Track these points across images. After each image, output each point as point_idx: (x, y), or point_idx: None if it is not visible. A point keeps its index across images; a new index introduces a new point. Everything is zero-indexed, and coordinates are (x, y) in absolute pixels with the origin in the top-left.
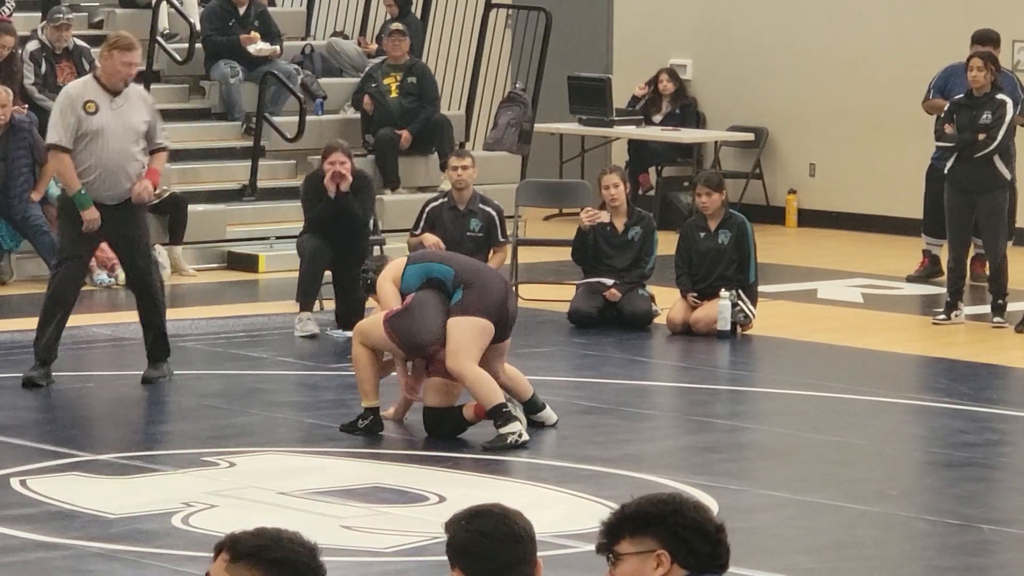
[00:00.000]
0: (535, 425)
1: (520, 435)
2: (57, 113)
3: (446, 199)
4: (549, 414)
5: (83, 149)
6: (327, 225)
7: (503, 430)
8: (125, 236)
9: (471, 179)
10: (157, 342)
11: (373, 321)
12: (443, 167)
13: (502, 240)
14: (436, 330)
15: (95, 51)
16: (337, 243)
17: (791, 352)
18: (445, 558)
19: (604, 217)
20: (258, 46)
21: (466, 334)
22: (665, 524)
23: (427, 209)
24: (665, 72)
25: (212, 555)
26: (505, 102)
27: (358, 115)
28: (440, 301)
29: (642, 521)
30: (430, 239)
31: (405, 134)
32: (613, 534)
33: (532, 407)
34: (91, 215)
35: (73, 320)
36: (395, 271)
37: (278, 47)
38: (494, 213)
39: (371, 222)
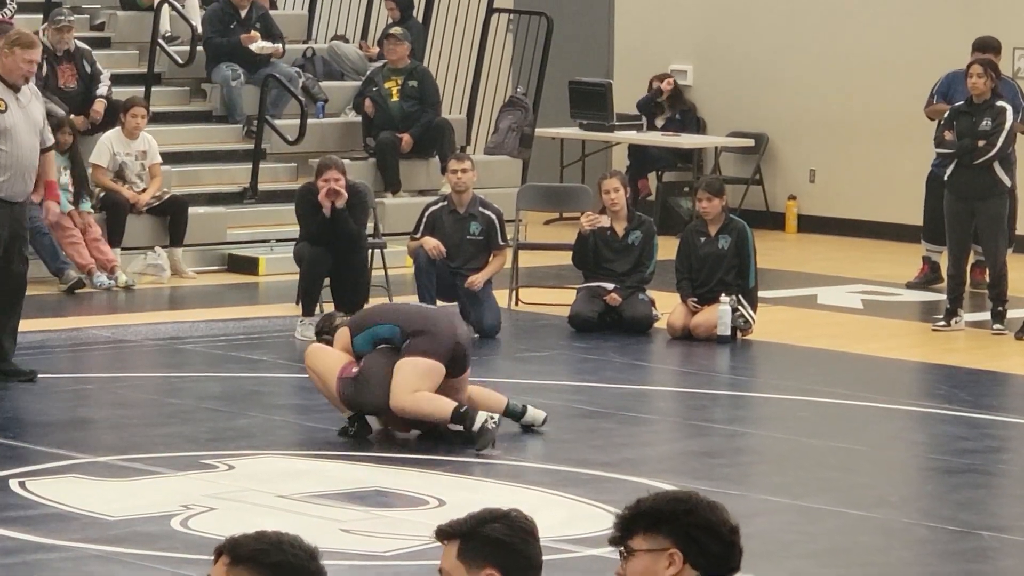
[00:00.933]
0: (527, 430)
1: (492, 417)
2: None
3: (446, 202)
4: (535, 414)
5: None
6: (324, 240)
7: (475, 427)
8: (19, 235)
9: (471, 182)
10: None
11: (328, 367)
12: (444, 171)
13: (502, 243)
14: (381, 401)
15: (96, 53)
16: (335, 252)
17: (791, 357)
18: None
19: (604, 221)
20: (260, 44)
21: (408, 373)
22: (678, 523)
23: (427, 212)
24: (659, 78)
25: (212, 558)
26: (506, 106)
27: (359, 118)
28: (389, 367)
29: (655, 518)
30: (430, 242)
31: (406, 137)
32: (627, 529)
33: (513, 415)
34: None
35: (72, 322)
36: (344, 342)
37: (280, 45)
38: (494, 216)
39: (373, 227)
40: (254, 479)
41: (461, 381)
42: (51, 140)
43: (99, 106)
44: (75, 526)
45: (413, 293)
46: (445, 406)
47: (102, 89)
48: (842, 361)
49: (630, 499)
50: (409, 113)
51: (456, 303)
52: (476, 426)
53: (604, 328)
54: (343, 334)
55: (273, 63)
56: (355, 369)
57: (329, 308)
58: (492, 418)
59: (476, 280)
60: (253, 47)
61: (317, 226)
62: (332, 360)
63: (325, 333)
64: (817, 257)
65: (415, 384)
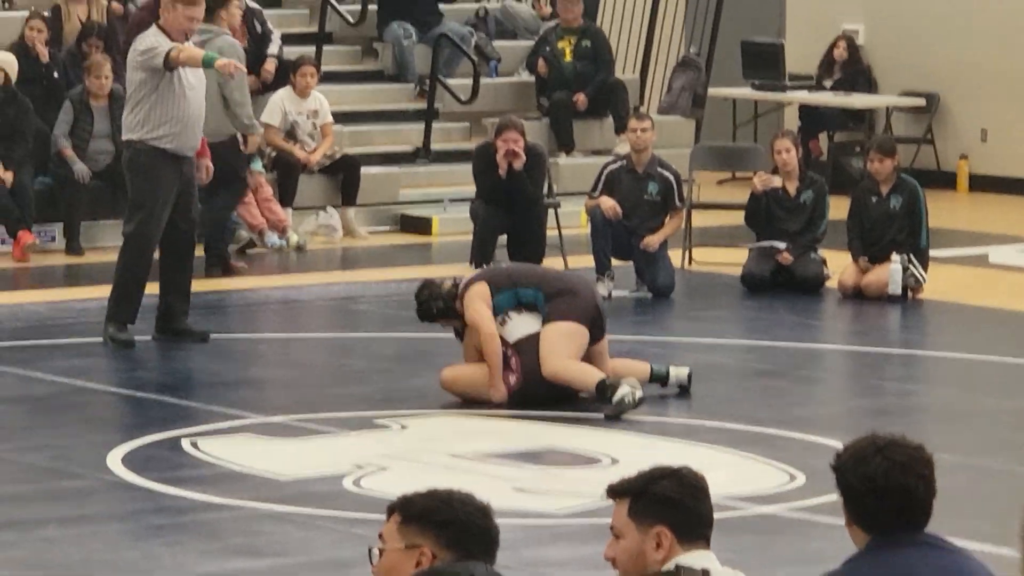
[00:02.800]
0: (683, 391)
1: (634, 393)
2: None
3: (624, 162)
4: (679, 372)
5: (161, 101)
6: (499, 199)
7: (616, 398)
8: (187, 192)
9: (650, 141)
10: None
11: (479, 383)
12: (618, 130)
13: (679, 204)
14: (550, 391)
15: (267, 13)
16: (511, 211)
17: (963, 316)
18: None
19: (777, 182)
20: None
21: (555, 337)
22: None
23: (605, 171)
24: (843, 39)
25: (384, 516)
26: (679, 66)
27: (532, 78)
28: None
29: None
30: (607, 202)
31: (580, 97)
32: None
33: (660, 378)
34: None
35: (244, 282)
36: (484, 295)
37: None
38: (672, 177)
39: (547, 187)
40: (427, 439)
41: (600, 348)
42: None
43: (270, 66)
44: (247, 486)
45: (587, 253)
46: (593, 376)
47: (273, 48)
48: (1014, 320)
49: (801, 457)
50: (582, 73)
51: (631, 262)
52: (616, 398)
53: (776, 287)
54: (481, 290)
55: (445, 22)
56: (513, 379)
57: None
58: (636, 392)
59: (652, 241)
60: None
61: (492, 185)
62: (483, 383)
63: (435, 300)
64: (989, 216)
65: (564, 349)
